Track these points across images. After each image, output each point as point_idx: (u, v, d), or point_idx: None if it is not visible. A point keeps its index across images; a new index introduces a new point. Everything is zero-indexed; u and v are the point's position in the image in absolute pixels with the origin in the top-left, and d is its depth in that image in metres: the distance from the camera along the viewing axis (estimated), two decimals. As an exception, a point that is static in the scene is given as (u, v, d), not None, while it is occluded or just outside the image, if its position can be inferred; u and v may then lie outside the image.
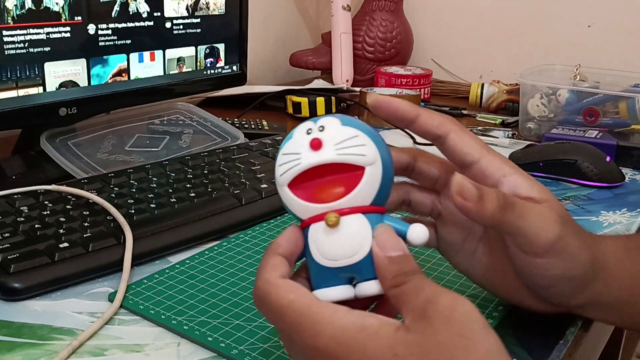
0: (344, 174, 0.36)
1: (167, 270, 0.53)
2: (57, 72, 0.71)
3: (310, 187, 0.36)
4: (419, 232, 0.36)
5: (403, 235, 0.36)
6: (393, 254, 0.34)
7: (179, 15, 0.83)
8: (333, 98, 1.07)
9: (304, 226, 0.37)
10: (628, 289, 0.44)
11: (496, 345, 0.31)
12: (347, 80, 1.31)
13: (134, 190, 0.63)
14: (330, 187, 0.36)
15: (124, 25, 0.77)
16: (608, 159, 0.80)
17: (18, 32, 0.67)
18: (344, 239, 0.35)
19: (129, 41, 0.78)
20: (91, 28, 0.74)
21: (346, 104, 1.13)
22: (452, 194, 0.37)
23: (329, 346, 0.32)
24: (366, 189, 0.35)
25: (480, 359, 0.30)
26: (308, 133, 0.36)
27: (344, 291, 0.36)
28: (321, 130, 0.36)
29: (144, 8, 0.79)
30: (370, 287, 0.35)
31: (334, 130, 0.36)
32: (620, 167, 0.82)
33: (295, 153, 0.36)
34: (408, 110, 0.41)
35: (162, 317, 0.46)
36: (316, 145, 0.35)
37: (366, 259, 0.35)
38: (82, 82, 0.74)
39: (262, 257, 0.36)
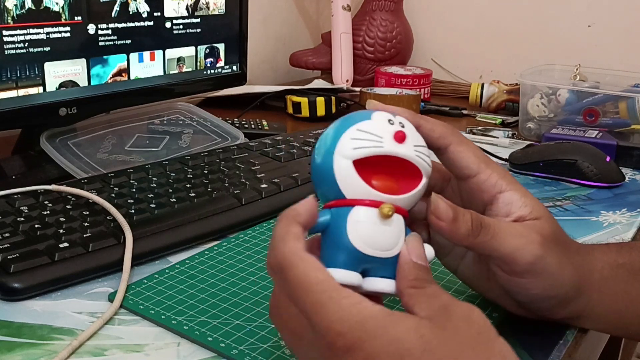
0: (404, 174, 0.37)
1: (167, 270, 0.53)
2: (57, 72, 0.71)
3: (369, 172, 0.36)
4: (427, 251, 0.37)
5: None
6: (419, 261, 0.36)
7: (179, 15, 0.83)
8: (333, 98, 1.07)
9: (345, 204, 0.36)
10: (610, 305, 0.45)
11: (509, 348, 0.32)
12: (347, 80, 1.31)
13: (134, 190, 0.63)
14: (386, 180, 0.37)
15: (124, 25, 0.77)
16: (608, 159, 0.80)
17: (18, 32, 0.67)
18: (390, 233, 0.36)
19: (129, 41, 0.78)
20: (91, 28, 0.74)
21: (346, 104, 1.13)
22: (428, 214, 0.38)
23: (355, 330, 0.31)
24: (416, 196, 0.37)
25: (498, 355, 0.31)
26: (390, 123, 0.37)
27: (354, 278, 0.36)
28: (402, 127, 0.37)
29: (144, 8, 0.79)
30: (384, 284, 0.36)
31: (412, 132, 0.37)
32: (620, 167, 0.82)
33: (378, 135, 0.36)
34: (409, 119, 0.40)
35: (162, 317, 0.46)
36: (401, 138, 0.36)
37: (394, 258, 0.36)
38: (82, 82, 0.74)
39: (279, 222, 0.35)
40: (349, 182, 0.36)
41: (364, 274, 0.37)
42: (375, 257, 0.36)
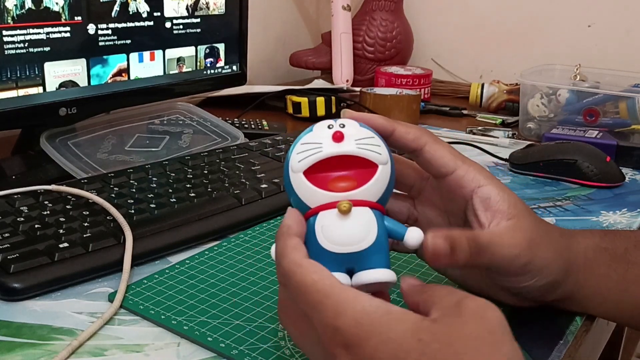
0: (358, 169, 0.38)
1: (167, 270, 0.53)
2: (57, 72, 0.71)
3: (323, 177, 0.38)
4: (415, 235, 0.39)
5: (401, 237, 0.39)
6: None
7: (179, 15, 0.83)
8: (333, 98, 1.07)
9: (311, 214, 0.38)
10: (594, 287, 0.46)
11: (519, 354, 0.32)
12: (347, 80, 1.31)
13: (134, 190, 0.63)
14: (343, 179, 0.38)
15: (124, 25, 0.77)
16: (608, 159, 0.80)
17: (18, 32, 0.67)
18: (353, 227, 0.37)
19: (128, 41, 0.78)
20: (91, 28, 0.74)
21: (346, 104, 1.13)
22: (427, 256, 0.39)
23: (350, 327, 0.32)
24: (376, 186, 0.38)
25: (503, 358, 0.31)
26: (329, 128, 0.39)
27: (341, 278, 0.37)
28: (342, 127, 0.39)
29: (144, 8, 0.79)
30: (370, 275, 0.37)
31: (354, 129, 0.39)
32: (620, 167, 0.82)
33: (317, 143, 0.38)
34: (384, 125, 0.42)
35: (162, 317, 0.46)
36: (339, 137, 0.38)
37: (370, 249, 0.37)
38: (82, 82, 0.74)
39: (277, 241, 0.37)
40: (307, 193, 0.38)
41: (352, 272, 0.38)
42: (349, 254, 0.37)
